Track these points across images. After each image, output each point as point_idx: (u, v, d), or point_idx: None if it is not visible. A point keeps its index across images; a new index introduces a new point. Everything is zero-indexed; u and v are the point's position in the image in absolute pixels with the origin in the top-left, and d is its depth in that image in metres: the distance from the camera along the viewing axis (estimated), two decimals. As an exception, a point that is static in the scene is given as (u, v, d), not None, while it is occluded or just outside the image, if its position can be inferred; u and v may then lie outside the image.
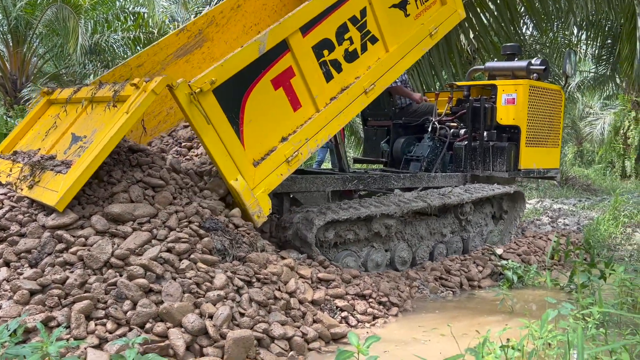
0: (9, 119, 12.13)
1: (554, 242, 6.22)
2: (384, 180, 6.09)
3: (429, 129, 7.29)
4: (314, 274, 4.68)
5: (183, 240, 4.01)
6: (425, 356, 3.87)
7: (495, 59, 9.77)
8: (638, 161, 15.61)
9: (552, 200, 11.46)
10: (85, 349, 3.16)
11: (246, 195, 4.43)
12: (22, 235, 3.89)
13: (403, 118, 7.58)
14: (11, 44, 14.09)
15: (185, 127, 5.98)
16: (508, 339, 3.06)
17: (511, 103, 6.82)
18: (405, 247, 5.76)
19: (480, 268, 5.86)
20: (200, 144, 5.50)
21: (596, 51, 14.44)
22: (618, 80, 15.76)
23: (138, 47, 16.05)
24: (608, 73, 15.37)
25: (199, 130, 4.17)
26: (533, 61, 7.16)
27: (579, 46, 14.95)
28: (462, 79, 10.81)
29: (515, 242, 6.64)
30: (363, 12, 5.07)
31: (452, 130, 7.27)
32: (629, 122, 15.84)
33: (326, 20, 4.83)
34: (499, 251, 6.19)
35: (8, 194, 4.39)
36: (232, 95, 4.37)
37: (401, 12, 5.43)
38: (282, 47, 4.57)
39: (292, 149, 4.71)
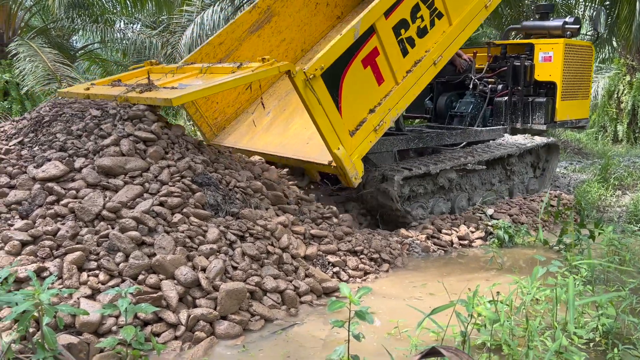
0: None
1: (546, 202, 6.34)
2: (439, 137, 6.73)
3: (470, 86, 7.72)
4: (307, 231, 4.69)
5: (175, 194, 3.98)
6: (414, 311, 3.93)
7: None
8: (630, 126, 15.57)
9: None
10: (78, 299, 3.18)
11: (346, 161, 5.00)
12: (12, 187, 3.84)
13: (446, 75, 7.91)
14: (-4, -4, 13.61)
15: None
16: (498, 292, 3.09)
17: (548, 60, 7.46)
18: (464, 197, 6.51)
19: (472, 229, 5.90)
20: None
21: (594, 13, 14.17)
22: (615, 44, 15.55)
23: (127, 2, 15.57)
24: (605, 36, 15.15)
25: (311, 109, 4.74)
26: (567, 20, 7.68)
27: (577, 8, 14.69)
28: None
29: (506, 203, 6.68)
30: None
31: (490, 86, 7.76)
32: (623, 86, 15.68)
33: (403, 2, 5.36)
34: (490, 211, 6.22)
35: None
36: (334, 77, 4.93)
37: None
38: (370, 31, 5.13)
39: (379, 119, 5.32)
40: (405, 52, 5.49)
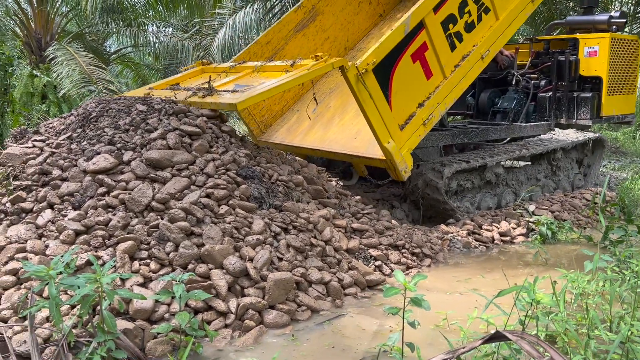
0: (39, 75, 12.19)
1: (601, 193, 6.25)
2: (484, 133, 6.77)
3: (512, 82, 7.71)
4: (348, 224, 4.69)
5: (221, 186, 4.03)
6: (461, 304, 3.89)
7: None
8: (669, 125, 15.09)
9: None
10: (131, 287, 3.24)
11: (396, 155, 5.06)
12: (64, 180, 3.94)
13: (488, 71, 7.95)
14: (35, 3, 14.04)
15: None
16: (555, 281, 3.03)
17: (593, 55, 7.37)
18: (510, 192, 6.57)
19: (514, 225, 5.81)
20: None
21: (631, 8, 13.85)
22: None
23: (159, 6, 15.84)
24: (626, 18, 14.68)
25: (362, 103, 4.82)
26: (613, 14, 7.59)
27: (614, 3, 14.35)
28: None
29: (548, 200, 6.56)
30: None
31: (533, 82, 7.72)
32: (661, 84, 15.26)
33: None
34: (531, 208, 6.12)
35: (46, 141, 4.44)
36: (384, 71, 5.01)
37: None
38: (419, 26, 5.22)
39: (428, 113, 5.38)
40: (453, 47, 5.53)
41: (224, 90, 4.79)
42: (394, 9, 7.65)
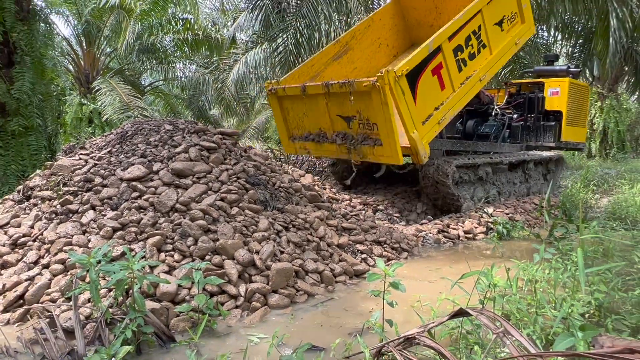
0: (86, 103, 12.24)
1: (546, 200, 6.46)
2: (475, 145, 7.37)
3: (492, 114, 8.25)
4: (339, 224, 4.66)
5: (233, 192, 4.01)
6: (432, 289, 3.86)
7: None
8: (602, 144, 15.24)
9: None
10: (158, 274, 3.20)
11: (419, 142, 5.48)
12: (104, 186, 3.92)
13: (474, 105, 8.33)
14: (84, 45, 14.12)
15: None
16: (509, 268, 3.01)
17: (555, 95, 8.13)
18: (495, 189, 7.07)
19: (476, 225, 5.80)
20: None
21: (569, 49, 14.00)
22: (588, 75, 15.28)
23: (185, 47, 15.89)
24: (580, 69, 14.83)
25: (397, 100, 5.18)
26: (570, 64, 8.54)
27: (555, 46, 14.50)
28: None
29: (503, 204, 6.56)
30: (479, 28, 6.28)
31: (507, 116, 8.36)
32: (595, 111, 15.39)
33: (460, 32, 5.99)
34: (490, 210, 6.11)
35: (90, 155, 4.42)
36: (413, 79, 5.44)
37: (499, 28, 6.57)
38: (438, 49, 5.73)
39: (441, 115, 5.82)
40: (460, 69, 6.01)
41: (361, 141, 5.43)
42: (404, 51, 8.03)
